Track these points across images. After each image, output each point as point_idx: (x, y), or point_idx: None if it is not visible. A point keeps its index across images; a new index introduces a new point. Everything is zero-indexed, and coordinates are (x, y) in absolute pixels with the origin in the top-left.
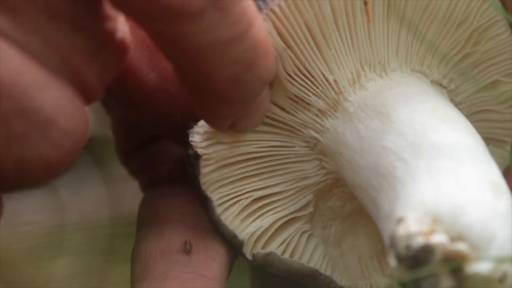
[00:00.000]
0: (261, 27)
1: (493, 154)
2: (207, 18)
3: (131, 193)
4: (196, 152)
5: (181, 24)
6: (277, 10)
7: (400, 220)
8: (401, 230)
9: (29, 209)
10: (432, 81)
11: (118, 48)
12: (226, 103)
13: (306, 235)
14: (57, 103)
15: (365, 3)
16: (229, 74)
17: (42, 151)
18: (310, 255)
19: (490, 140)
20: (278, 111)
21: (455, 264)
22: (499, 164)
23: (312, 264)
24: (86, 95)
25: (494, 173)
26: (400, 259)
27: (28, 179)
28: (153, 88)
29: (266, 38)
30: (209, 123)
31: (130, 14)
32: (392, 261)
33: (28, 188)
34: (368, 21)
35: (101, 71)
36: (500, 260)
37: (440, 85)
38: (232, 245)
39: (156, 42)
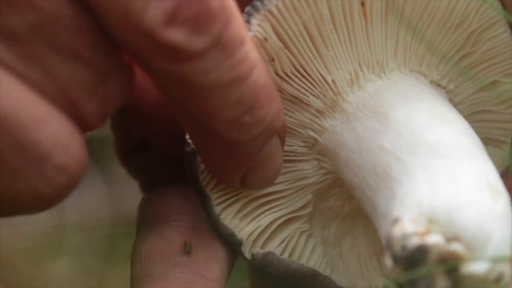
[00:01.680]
0: (263, 73)
1: (492, 155)
2: (210, 58)
3: (131, 193)
4: (193, 149)
5: (183, 64)
6: (274, 10)
7: (396, 221)
8: (397, 231)
9: None
10: (431, 82)
11: (122, 81)
12: (231, 149)
13: (305, 235)
14: (53, 138)
15: (363, 4)
16: (230, 115)
17: (35, 185)
18: (309, 255)
19: (489, 141)
20: None
21: (450, 264)
22: (498, 165)
23: (311, 264)
24: (84, 126)
25: (491, 174)
26: (396, 259)
27: (20, 210)
28: (153, 104)
29: (268, 84)
30: (219, 176)
31: (134, 53)
32: (389, 262)
33: (22, 216)
34: (366, 22)
35: (103, 103)
36: (495, 260)
37: (439, 85)
38: (231, 245)
39: (157, 82)
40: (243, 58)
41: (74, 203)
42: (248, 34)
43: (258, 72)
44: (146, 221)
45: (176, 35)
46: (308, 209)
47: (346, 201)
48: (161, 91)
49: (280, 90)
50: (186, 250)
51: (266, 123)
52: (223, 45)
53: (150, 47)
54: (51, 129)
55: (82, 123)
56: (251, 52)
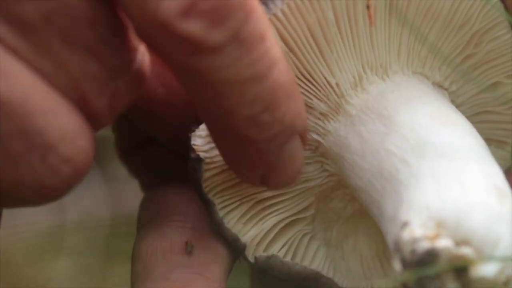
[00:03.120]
0: (284, 71)
1: (494, 155)
2: (228, 53)
3: (131, 193)
4: (198, 156)
5: (201, 58)
6: (280, 14)
7: (404, 225)
8: (406, 235)
9: (29, 209)
10: (434, 83)
11: (133, 79)
12: (250, 147)
13: (308, 237)
14: (61, 128)
15: (367, 7)
16: (248, 113)
17: (38, 174)
18: (312, 257)
19: (491, 141)
20: None
21: (460, 268)
22: (500, 165)
23: (314, 266)
24: (93, 121)
25: (497, 176)
26: (405, 263)
27: (22, 200)
28: (161, 102)
29: (289, 83)
30: (239, 174)
31: (152, 45)
32: (397, 266)
33: (24, 207)
34: (371, 24)
35: (112, 99)
36: (504, 260)
37: (441, 87)
38: (234, 248)
39: (176, 74)
40: (263, 55)
41: (74, 203)
42: (270, 31)
43: (278, 71)
44: (148, 220)
45: (194, 28)
46: (311, 211)
47: (349, 203)
48: (180, 83)
49: None
50: (188, 250)
51: (285, 123)
52: (242, 40)
53: (167, 39)
54: (59, 119)
55: (91, 118)
56: (272, 49)
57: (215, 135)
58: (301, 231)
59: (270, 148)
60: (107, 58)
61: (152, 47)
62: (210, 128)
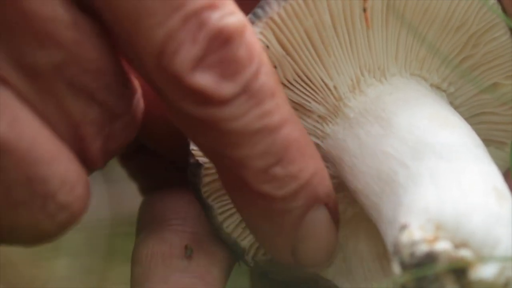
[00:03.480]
0: (296, 129)
1: (493, 156)
2: (239, 105)
3: (131, 193)
4: (197, 161)
5: (212, 109)
6: (276, 18)
7: (403, 227)
8: (405, 238)
9: None
10: (432, 85)
11: (129, 122)
12: (268, 207)
13: None
14: (62, 176)
15: (364, 10)
16: (259, 165)
17: (36, 220)
18: None
19: (490, 142)
20: None
21: (459, 270)
22: (499, 166)
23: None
24: (88, 164)
25: (496, 178)
26: (404, 266)
27: (16, 241)
28: (158, 119)
29: (304, 140)
30: (268, 245)
31: (163, 95)
32: (396, 269)
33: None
34: (368, 28)
35: (106, 142)
36: (503, 261)
37: (440, 88)
38: (234, 252)
39: (186, 128)
40: (273, 109)
41: None
42: (280, 88)
43: (290, 127)
44: (147, 224)
45: (204, 80)
46: None
47: (349, 205)
48: (190, 138)
49: None
50: (187, 254)
51: (301, 181)
52: (252, 93)
53: (179, 91)
54: (61, 167)
55: (86, 161)
56: (283, 105)
57: (235, 199)
58: None
59: (291, 210)
60: (107, 103)
61: (163, 98)
62: (228, 190)
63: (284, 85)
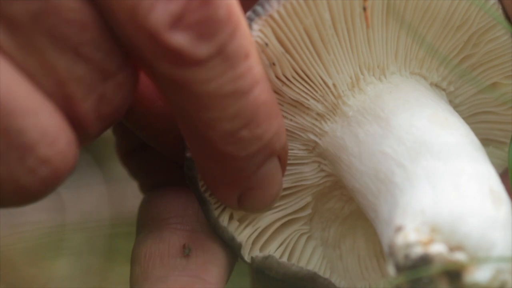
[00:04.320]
0: (265, 90)
1: (492, 156)
2: (212, 67)
3: (131, 193)
4: None
5: (186, 70)
6: (276, 15)
7: (398, 229)
8: (400, 239)
9: (29, 209)
10: (431, 84)
11: (122, 84)
12: (227, 164)
13: (305, 237)
14: (40, 129)
15: (364, 9)
16: (227, 128)
17: (15, 174)
18: (309, 258)
19: (489, 142)
20: None
21: (454, 273)
22: (498, 166)
23: (310, 267)
24: (78, 125)
25: (493, 180)
26: (399, 268)
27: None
28: (159, 116)
29: (269, 102)
30: (216, 193)
31: (137, 53)
32: (391, 270)
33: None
34: (367, 26)
35: (98, 103)
36: (499, 262)
37: (439, 87)
38: (231, 248)
39: (158, 85)
40: (246, 71)
41: (74, 203)
42: (254, 48)
43: (260, 89)
44: (146, 223)
45: (180, 39)
46: (308, 211)
47: (346, 203)
48: (162, 95)
49: (281, 94)
50: (185, 253)
51: (264, 141)
52: (227, 55)
53: (154, 49)
54: (39, 120)
55: (75, 121)
56: (255, 67)
57: (195, 151)
58: (298, 231)
59: (248, 166)
60: (95, 61)
61: (137, 56)
62: (190, 143)
63: (283, 82)
